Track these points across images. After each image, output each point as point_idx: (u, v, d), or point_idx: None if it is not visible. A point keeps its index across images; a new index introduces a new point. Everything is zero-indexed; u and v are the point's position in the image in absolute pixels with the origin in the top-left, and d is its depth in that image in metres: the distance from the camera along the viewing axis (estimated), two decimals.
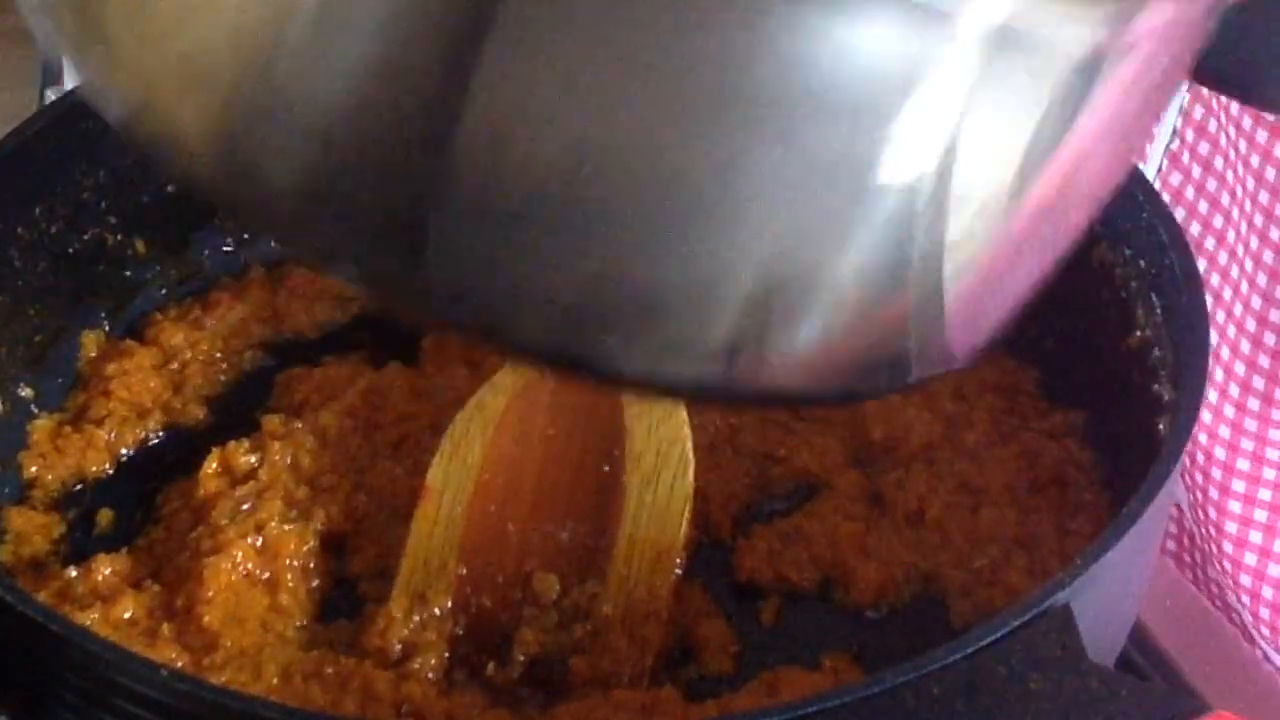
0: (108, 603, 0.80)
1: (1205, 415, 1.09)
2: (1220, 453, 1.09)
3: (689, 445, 0.83)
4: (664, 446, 0.83)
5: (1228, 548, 1.11)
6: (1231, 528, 1.10)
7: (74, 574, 0.82)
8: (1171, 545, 1.19)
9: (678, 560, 0.81)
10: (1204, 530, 1.13)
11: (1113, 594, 0.72)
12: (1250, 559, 1.11)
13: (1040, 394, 0.90)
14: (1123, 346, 0.85)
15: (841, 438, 0.88)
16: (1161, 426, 0.80)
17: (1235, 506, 1.10)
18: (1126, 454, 0.82)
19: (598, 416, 0.84)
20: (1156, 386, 0.81)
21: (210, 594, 0.80)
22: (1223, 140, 1.08)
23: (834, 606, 0.82)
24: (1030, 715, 0.64)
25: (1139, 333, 0.84)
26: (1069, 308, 0.89)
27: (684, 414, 0.84)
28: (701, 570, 0.83)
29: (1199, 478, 1.11)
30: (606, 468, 0.83)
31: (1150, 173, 1.11)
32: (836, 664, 0.78)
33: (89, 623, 0.79)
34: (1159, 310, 0.82)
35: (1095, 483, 0.85)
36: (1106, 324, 0.86)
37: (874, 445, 0.88)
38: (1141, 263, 0.84)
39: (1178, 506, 1.16)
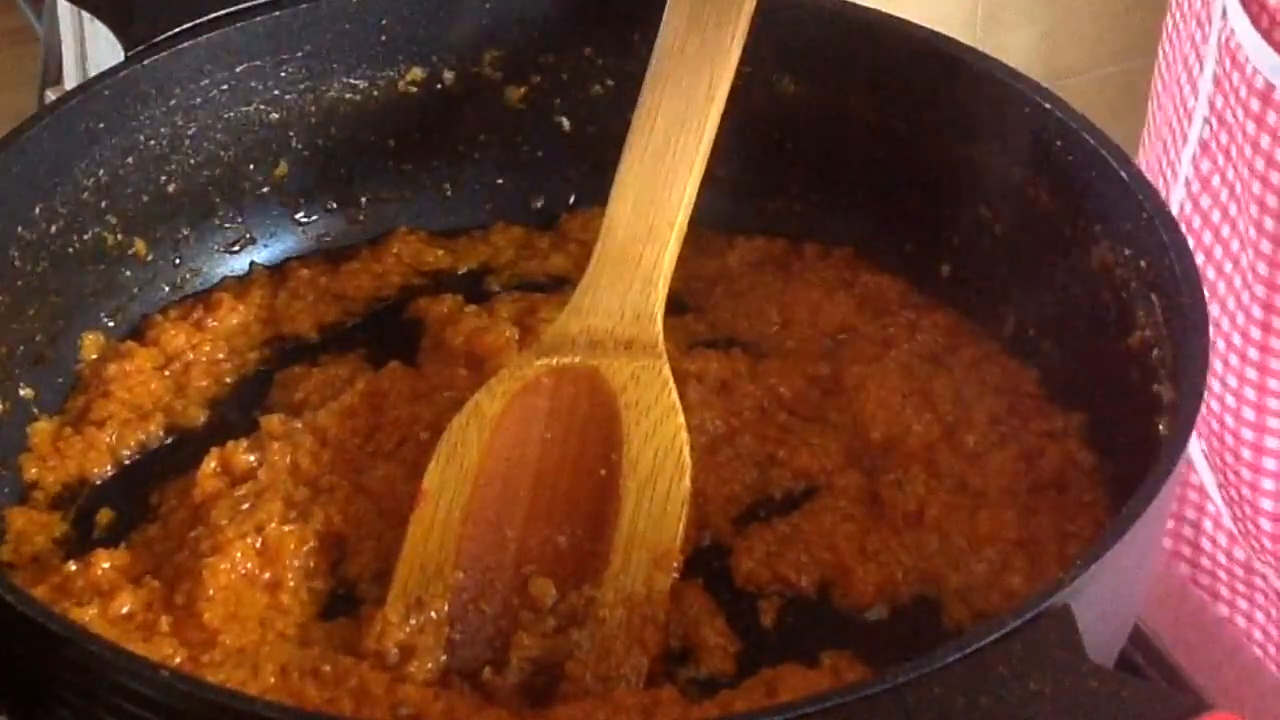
0: (106, 598, 0.80)
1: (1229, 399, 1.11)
2: (1247, 432, 1.10)
3: (686, 449, 0.83)
4: (661, 450, 0.83)
5: (1266, 505, 1.12)
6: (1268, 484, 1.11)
7: (73, 568, 0.82)
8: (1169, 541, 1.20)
9: (675, 563, 0.81)
10: (1232, 493, 1.13)
11: (1113, 594, 0.72)
12: None
13: (1040, 395, 0.90)
14: (1123, 346, 0.85)
15: (840, 439, 0.88)
16: (1161, 426, 0.80)
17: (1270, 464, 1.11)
18: (1127, 454, 0.82)
19: (595, 420, 0.84)
20: (1156, 386, 0.81)
21: (210, 593, 0.80)
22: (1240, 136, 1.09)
23: (833, 607, 0.82)
24: (1030, 715, 0.64)
25: (1139, 333, 0.84)
26: (1069, 308, 0.89)
27: (681, 418, 0.84)
28: (701, 571, 0.83)
29: (1229, 440, 1.12)
30: (604, 471, 0.83)
31: (1186, 158, 1.13)
32: (836, 662, 0.78)
33: (87, 619, 0.79)
34: (1159, 310, 0.82)
35: (1095, 484, 0.85)
36: (1106, 324, 0.86)
37: (873, 446, 0.88)
38: (1141, 263, 0.84)
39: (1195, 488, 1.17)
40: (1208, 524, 1.19)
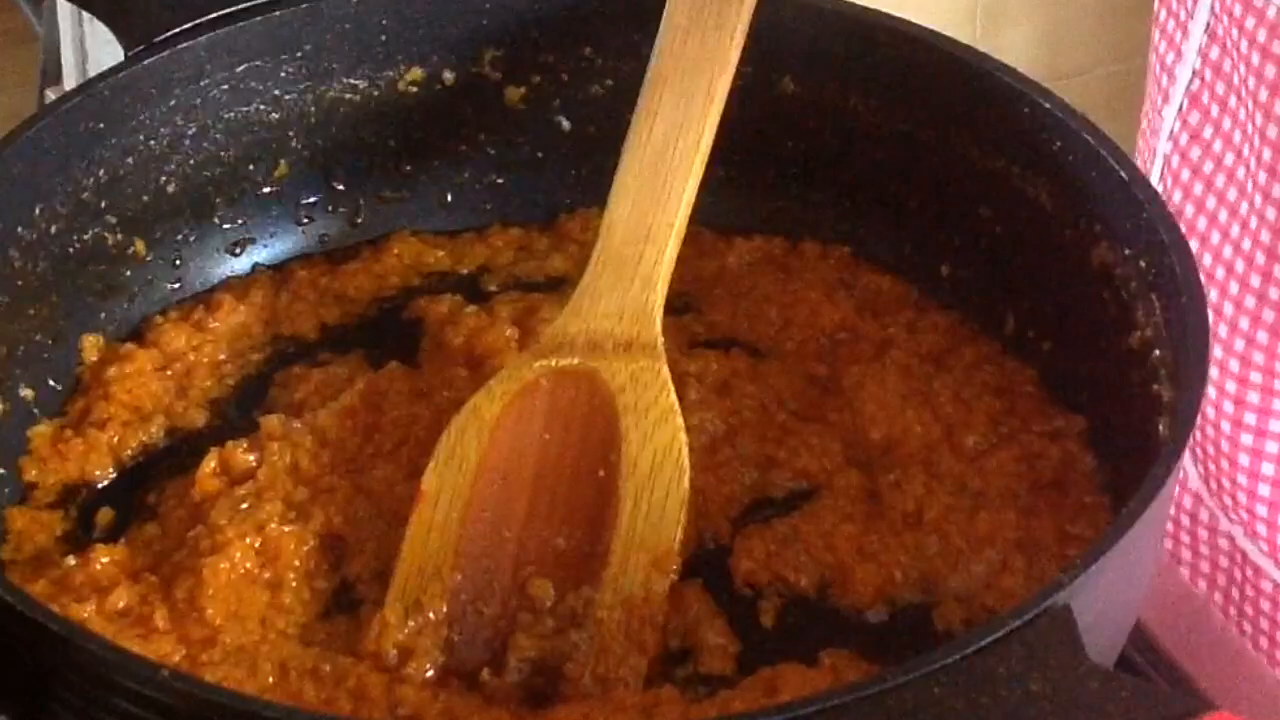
0: (103, 594, 0.80)
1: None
2: (1226, 426, 1.11)
3: (684, 450, 0.83)
4: (659, 451, 0.83)
5: (1242, 480, 1.12)
6: (1244, 460, 1.11)
7: (72, 563, 0.82)
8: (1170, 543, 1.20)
9: (674, 565, 0.81)
10: (1214, 483, 1.14)
11: (1113, 594, 0.72)
12: (1264, 490, 1.12)
13: (1040, 395, 0.90)
14: (1123, 346, 0.85)
15: (840, 439, 0.88)
16: (1161, 427, 0.80)
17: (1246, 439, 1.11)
18: (1127, 455, 0.82)
19: (594, 421, 0.84)
20: (1156, 386, 0.81)
21: (210, 592, 0.80)
22: (1231, 102, 1.09)
23: (833, 607, 0.82)
24: (1030, 715, 0.64)
25: (1139, 333, 0.84)
26: (1069, 308, 0.89)
27: (679, 420, 0.84)
28: (701, 572, 0.83)
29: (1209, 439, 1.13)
30: (602, 473, 0.83)
31: (1171, 114, 1.13)
32: (836, 662, 0.78)
33: (85, 615, 0.79)
34: (1159, 310, 0.82)
35: (1095, 485, 0.85)
36: (1106, 324, 0.86)
37: (872, 446, 0.88)
38: (1141, 263, 0.84)
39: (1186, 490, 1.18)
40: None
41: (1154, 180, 1.15)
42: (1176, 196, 1.13)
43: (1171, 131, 1.14)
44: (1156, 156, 1.15)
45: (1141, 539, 0.72)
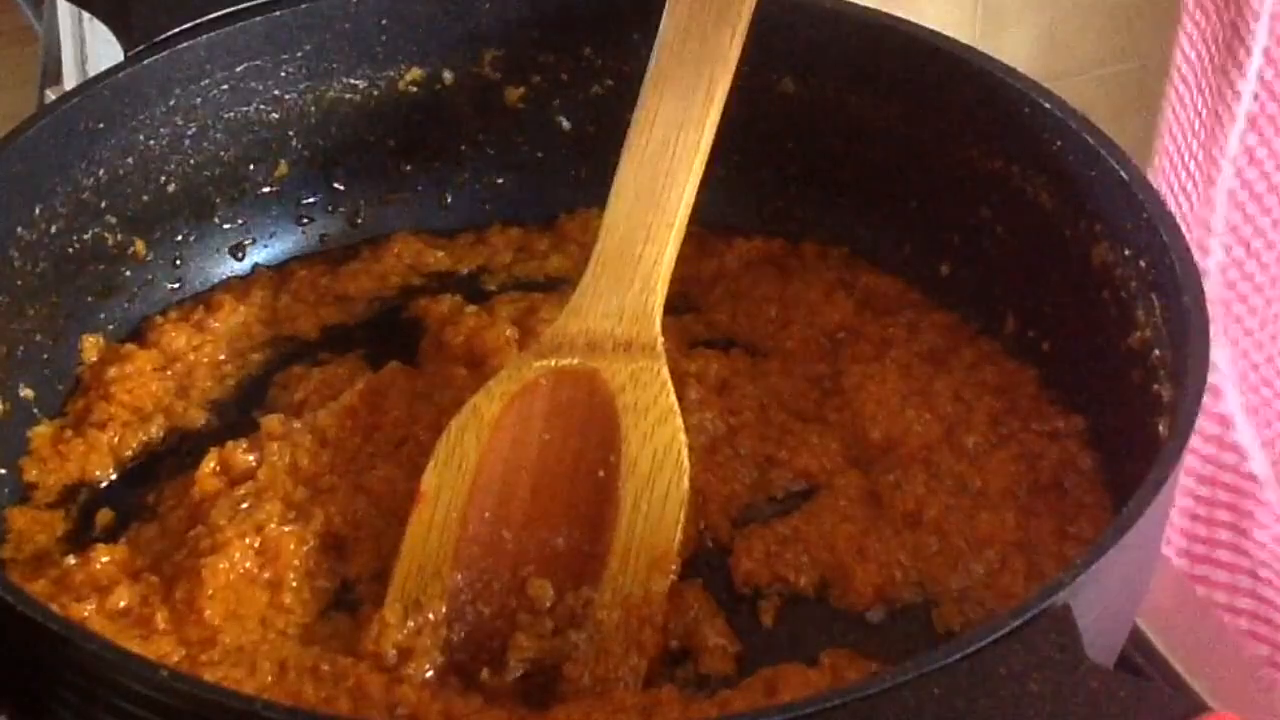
0: (103, 593, 0.80)
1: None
2: None
3: (684, 450, 0.83)
4: (659, 452, 0.83)
5: None
6: None
7: (72, 562, 0.82)
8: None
9: (674, 565, 0.81)
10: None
11: (1113, 594, 0.72)
12: None
13: (1040, 395, 0.90)
14: (1123, 346, 0.85)
15: (840, 439, 0.88)
16: (1162, 427, 0.80)
17: None
18: (1127, 455, 0.82)
19: (593, 422, 0.84)
20: (1156, 386, 0.81)
21: (210, 592, 0.80)
22: None
23: (833, 607, 0.82)
24: (1030, 715, 0.64)
25: (1139, 333, 0.84)
26: (1069, 308, 0.89)
27: (679, 420, 0.84)
28: (701, 571, 0.83)
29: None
30: (602, 473, 0.83)
31: (1236, 135, 1.13)
32: (836, 662, 0.78)
33: (85, 614, 0.79)
34: (1159, 310, 0.82)
35: (1095, 485, 0.85)
36: (1106, 324, 0.86)
37: (873, 446, 0.88)
38: (1141, 263, 0.84)
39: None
40: (1261, 514, 1.19)
41: (1220, 200, 1.15)
42: (1236, 217, 1.13)
43: (1233, 153, 1.14)
44: (1220, 179, 1.15)
45: (1141, 539, 0.72)
